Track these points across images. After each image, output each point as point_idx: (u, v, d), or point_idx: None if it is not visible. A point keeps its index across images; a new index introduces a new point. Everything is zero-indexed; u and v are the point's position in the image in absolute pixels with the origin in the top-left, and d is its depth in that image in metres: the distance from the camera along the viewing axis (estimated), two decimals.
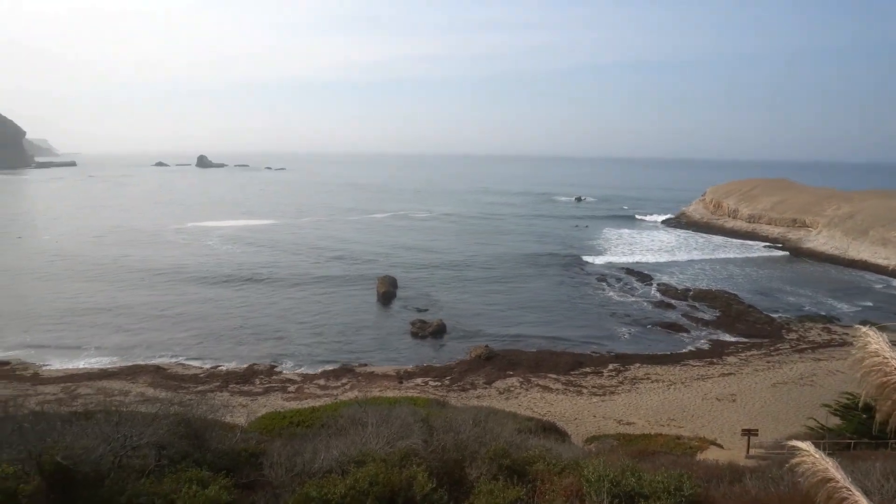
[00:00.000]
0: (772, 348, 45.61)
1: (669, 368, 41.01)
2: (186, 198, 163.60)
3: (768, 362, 42.37)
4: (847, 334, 48.52)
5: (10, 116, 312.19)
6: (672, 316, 53.56)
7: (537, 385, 37.82)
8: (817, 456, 5.48)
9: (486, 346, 43.59)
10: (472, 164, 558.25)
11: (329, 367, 40.29)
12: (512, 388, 37.25)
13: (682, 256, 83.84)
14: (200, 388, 36.02)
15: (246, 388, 36.52)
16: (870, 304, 59.72)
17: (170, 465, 10.06)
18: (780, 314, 54.67)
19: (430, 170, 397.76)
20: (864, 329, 5.82)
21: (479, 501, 8.94)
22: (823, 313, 55.35)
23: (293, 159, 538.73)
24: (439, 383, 37.86)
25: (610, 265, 75.82)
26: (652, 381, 38.69)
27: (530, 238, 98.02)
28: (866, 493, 5.25)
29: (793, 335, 48.86)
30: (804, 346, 46.04)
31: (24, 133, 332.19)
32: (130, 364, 39.95)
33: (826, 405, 25.31)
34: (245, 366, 40.13)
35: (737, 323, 51.47)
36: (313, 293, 59.28)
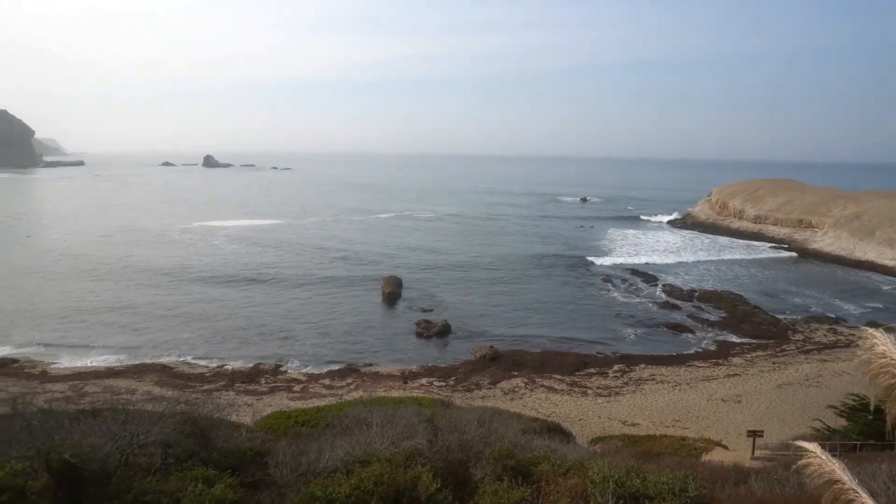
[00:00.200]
0: (777, 349, 45.44)
1: (675, 369, 40.91)
2: (192, 197, 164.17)
3: (774, 363, 42.22)
4: (853, 335, 48.29)
5: (18, 116, 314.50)
6: (677, 317, 53.43)
7: (542, 386, 37.79)
8: (824, 457, 5.47)
9: (491, 346, 43.58)
10: (474, 164, 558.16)
11: (334, 367, 40.38)
12: (517, 389, 37.23)
13: (687, 257, 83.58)
14: (206, 387, 36.16)
15: (251, 387, 36.64)
16: (877, 305, 59.43)
17: (176, 464, 10.11)
18: (785, 315, 54.46)
19: (432, 170, 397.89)
20: (870, 330, 5.80)
21: (483, 502, 8.95)
22: (830, 314, 55.10)
23: (295, 159, 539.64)
24: (444, 383, 37.88)
25: (615, 266, 75.66)
26: (657, 382, 38.60)
27: (535, 239, 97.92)
28: (873, 494, 5.24)
29: (799, 336, 48.67)
30: (810, 347, 45.85)
31: (32, 132, 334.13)
32: (137, 363, 40.16)
33: (832, 406, 25.19)
34: (251, 365, 40.28)
35: (742, 324, 51.28)
36: (318, 293, 59.40)
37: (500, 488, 9.16)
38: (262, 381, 37.75)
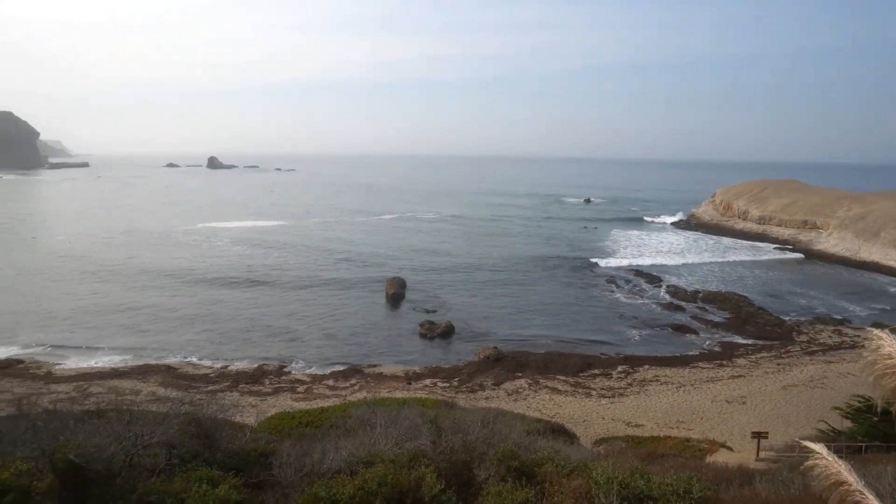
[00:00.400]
0: (782, 350, 45.31)
1: (679, 370, 40.82)
2: (196, 199, 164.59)
3: (778, 364, 42.09)
4: (858, 336, 48.13)
5: (23, 118, 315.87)
6: (681, 318, 53.31)
7: (546, 387, 37.75)
8: (830, 459, 5.45)
9: (495, 347, 43.55)
10: (477, 165, 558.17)
11: (338, 368, 40.41)
12: (520, 390, 37.20)
13: (691, 258, 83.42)
14: (211, 387, 36.21)
15: (255, 388, 36.68)
16: (882, 306, 59.22)
17: (180, 465, 10.14)
18: (790, 316, 54.31)
19: (435, 171, 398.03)
20: (876, 331, 5.78)
21: (487, 503, 8.94)
22: (835, 315, 54.93)
23: (299, 161, 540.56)
24: (448, 384, 37.87)
25: (619, 267, 75.55)
26: (661, 383, 38.53)
27: (539, 240, 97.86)
28: (879, 496, 5.22)
29: (803, 337, 48.52)
30: (815, 349, 45.70)
31: (38, 134, 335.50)
32: (141, 363, 40.26)
33: (837, 408, 25.07)
34: (255, 366, 40.33)
35: (747, 325, 51.15)
36: (322, 294, 59.47)
37: (504, 489, 9.16)
38: (266, 381, 37.79)
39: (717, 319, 52.96)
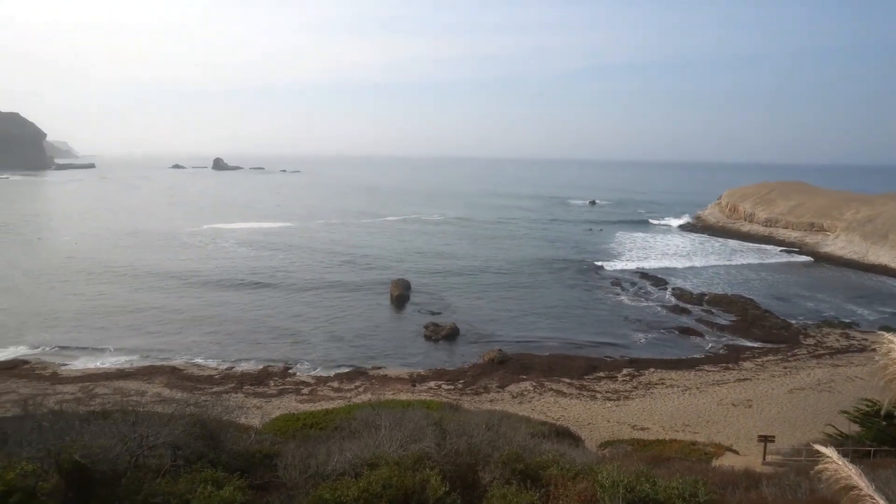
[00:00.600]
0: (789, 354, 45.10)
1: (684, 373, 40.67)
2: (202, 200, 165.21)
3: (785, 368, 41.89)
4: (866, 340, 47.87)
5: (30, 119, 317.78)
6: (687, 321, 53.12)
7: (551, 389, 37.66)
8: (840, 463, 5.40)
9: (500, 349, 43.48)
10: (481, 166, 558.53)
11: (342, 370, 40.43)
12: (525, 392, 37.12)
13: (697, 261, 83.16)
14: (215, 389, 36.29)
15: (260, 389, 36.74)
16: (891, 309, 58.82)
17: (185, 466, 10.14)
18: (797, 319, 54.05)
19: (439, 173, 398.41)
20: (888, 335, 5.72)
21: None
22: (842, 319, 54.61)
23: (304, 162, 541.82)
24: (452, 387, 37.83)
25: (624, 269, 75.37)
26: (667, 387, 38.39)
27: (544, 242, 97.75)
28: (889, 501, 5.17)
29: (810, 340, 48.28)
30: (822, 352, 45.47)
31: (44, 135, 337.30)
32: (147, 364, 40.40)
33: (845, 412, 24.94)
34: (259, 367, 40.40)
35: (753, 328, 50.93)
36: (327, 296, 59.53)
37: (509, 492, 9.12)
38: (271, 383, 37.84)
39: (723, 322, 52.76)
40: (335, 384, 37.86)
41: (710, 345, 47.10)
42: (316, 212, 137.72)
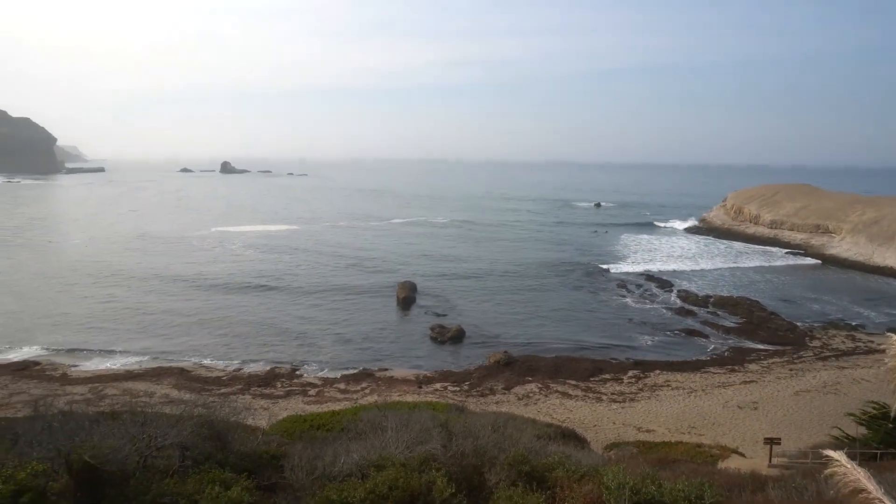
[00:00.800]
0: (795, 356, 44.89)
1: (690, 375, 40.56)
2: (210, 203, 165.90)
3: (791, 370, 41.72)
4: (872, 342, 47.61)
5: (41, 123, 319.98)
6: (692, 323, 52.99)
7: (556, 391, 37.64)
8: (849, 466, 5.43)
9: (505, 351, 43.49)
10: (487, 169, 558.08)
11: (349, 372, 40.52)
12: (531, 394, 37.11)
13: (702, 263, 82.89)
14: (223, 390, 36.45)
15: (267, 391, 36.85)
16: None
17: (193, 466, 10.24)
18: (803, 321, 53.80)
19: (446, 176, 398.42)
20: (895, 337, 5.74)
21: None
22: (848, 321, 54.33)
23: (311, 165, 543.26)
24: (458, 388, 37.86)
25: (630, 272, 75.19)
26: (672, 389, 38.30)
27: (550, 245, 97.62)
28: None
29: (816, 342, 48.06)
30: (828, 354, 45.25)
31: (55, 140, 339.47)
32: (155, 366, 40.62)
33: (851, 414, 24.83)
34: (267, 369, 40.54)
35: (759, 330, 50.75)
36: (333, 298, 59.66)
37: (515, 494, 9.17)
38: (278, 384, 37.96)
39: (728, 324, 52.59)
40: (342, 386, 37.95)
41: (716, 347, 46.95)
42: (322, 215, 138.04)
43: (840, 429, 24.61)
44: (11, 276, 66.78)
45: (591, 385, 38.78)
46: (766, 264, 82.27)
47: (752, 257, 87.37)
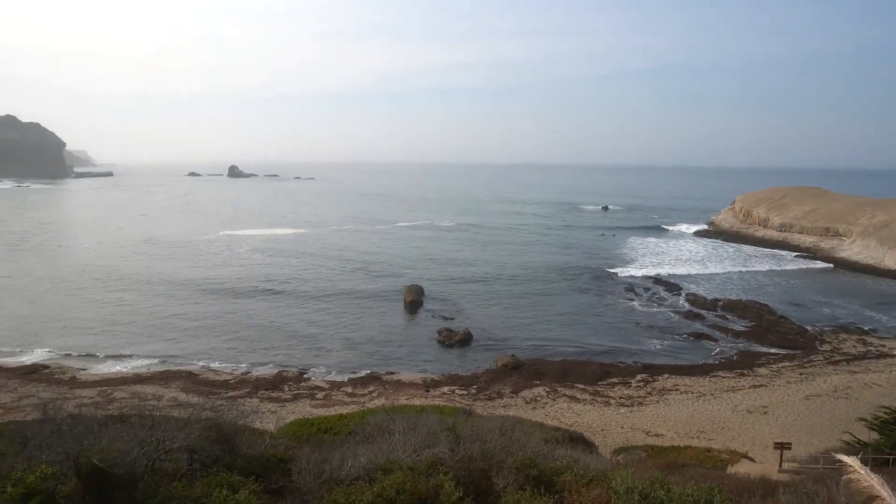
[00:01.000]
0: (805, 360, 44.55)
1: (699, 379, 40.33)
2: (218, 207, 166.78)
3: (801, 374, 41.39)
4: (884, 346, 47.25)
5: (50, 128, 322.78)
6: (701, 326, 52.71)
7: (564, 395, 37.50)
8: (863, 472, 5.37)
9: (513, 355, 43.39)
10: (492, 172, 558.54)
11: (356, 375, 40.55)
12: (538, 398, 36.99)
13: (711, 266, 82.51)
14: (231, 393, 36.54)
15: (275, 394, 36.91)
16: None
17: (201, 469, 10.25)
18: (813, 325, 53.39)
19: (451, 179, 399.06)
20: None
21: None
22: (859, 325, 53.87)
23: (318, 169, 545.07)
24: (465, 392, 37.80)
25: (638, 275, 74.92)
26: (681, 392, 38.08)
27: (557, 248, 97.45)
28: None
29: (827, 346, 47.67)
30: (839, 358, 44.86)
31: (64, 144, 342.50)
32: (163, 369, 40.80)
33: (862, 419, 24.61)
34: (274, 372, 40.63)
35: (768, 334, 50.41)
36: (340, 302, 59.76)
37: (523, 498, 9.13)
38: (286, 388, 38.02)
39: (737, 328, 52.28)
40: (349, 389, 37.97)
41: (725, 350, 46.66)
42: (329, 218, 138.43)
43: (851, 434, 24.38)
44: (21, 279, 67.31)
45: (598, 389, 38.63)
46: (777, 268, 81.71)
47: (762, 261, 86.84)
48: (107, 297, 60.13)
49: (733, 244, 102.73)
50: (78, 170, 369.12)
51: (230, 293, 62.31)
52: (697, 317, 55.59)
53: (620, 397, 37.36)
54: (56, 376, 39.14)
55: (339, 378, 40.14)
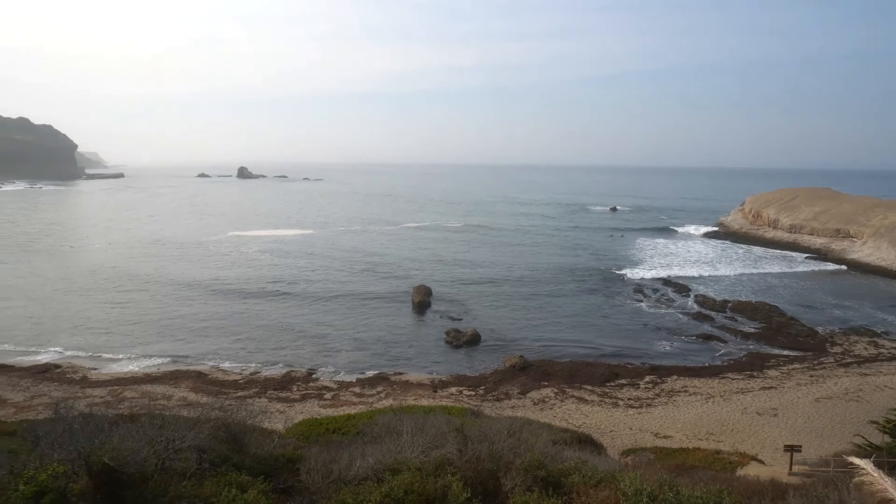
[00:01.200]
0: (815, 362, 44.20)
1: (708, 381, 40.12)
2: (227, 208, 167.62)
3: (811, 376, 41.08)
4: None
5: (62, 130, 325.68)
6: (710, 328, 52.42)
7: (572, 396, 37.42)
8: (876, 475, 5.33)
9: (521, 356, 43.33)
10: (497, 173, 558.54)
11: (365, 375, 40.63)
12: (546, 399, 36.92)
13: (720, 267, 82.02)
14: (240, 393, 36.70)
15: (283, 394, 37.04)
16: None
17: (210, 469, 10.33)
18: (824, 327, 52.96)
19: (456, 180, 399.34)
20: None
21: None
22: (870, 327, 53.38)
23: (326, 170, 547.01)
24: (473, 392, 37.78)
25: (647, 277, 74.61)
26: (689, 394, 37.90)
27: (565, 249, 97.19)
28: None
29: (837, 349, 47.28)
30: (850, 360, 44.48)
31: (75, 146, 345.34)
32: (173, 369, 41.05)
33: (874, 422, 24.43)
34: (283, 372, 40.77)
35: (778, 335, 50.07)
36: (348, 302, 59.88)
37: (531, 499, 9.13)
38: (294, 388, 38.14)
39: (747, 329, 51.95)
40: (357, 389, 38.04)
41: (734, 352, 46.37)
42: (337, 219, 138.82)
43: (863, 437, 24.21)
44: (33, 280, 67.93)
45: (607, 390, 38.51)
46: (787, 270, 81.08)
47: (772, 262, 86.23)
48: (117, 297, 60.58)
49: (743, 245, 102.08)
50: (89, 171, 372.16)
51: (239, 293, 62.61)
52: (706, 318, 55.31)
53: (629, 399, 37.23)
54: (67, 376, 39.47)
55: (347, 378, 40.24)
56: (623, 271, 77.24)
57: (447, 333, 48.69)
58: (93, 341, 46.79)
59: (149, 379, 39.02)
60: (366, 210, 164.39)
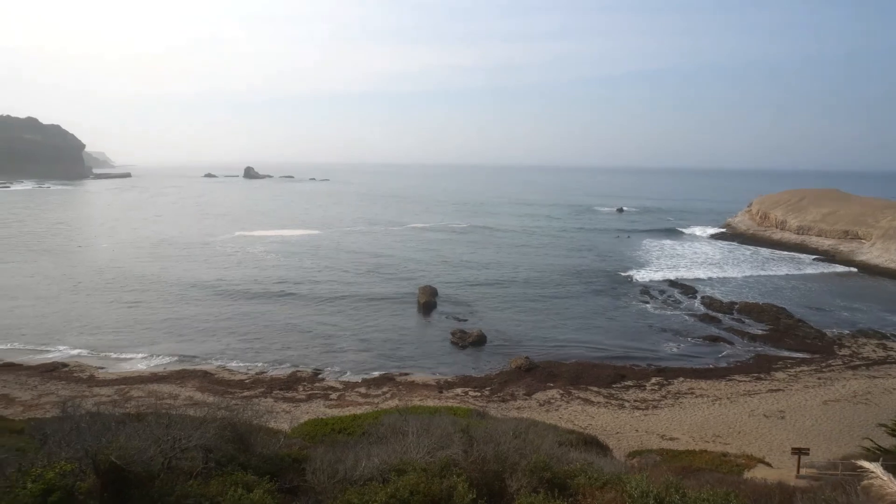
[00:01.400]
0: (823, 364, 43.96)
1: (714, 383, 39.95)
2: (232, 208, 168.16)
3: (819, 379, 40.85)
4: None
5: (70, 130, 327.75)
6: (717, 330, 52.21)
7: (578, 397, 37.33)
8: (885, 478, 5.30)
9: (527, 357, 43.26)
10: (500, 173, 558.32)
11: (370, 376, 40.67)
12: (552, 400, 36.85)
13: (727, 269, 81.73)
14: (246, 393, 36.80)
15: (289, 394, 37.11)
16: None
17: (216, 468, 10.35)
18: (831, 329, 52.66)
19: (460, 180, 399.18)
20: None
21: None
22: (879, 329, 53.01)
23: (331, 170, 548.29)
24: (479, 393, 37.75)
25: (653, 278, 74.39)
26: (696, 396, 37.75)
27: (571, 250, 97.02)
28: None
29: (845, 351, 47.00)
30: (858, 363, 44.21)
31: (83, 146, 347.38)
32: (180, 369, 41.21)
33: (883, 425, 24.26)
34: (289, 372, 40.86)
35: (785, 337, 49.82)
36: (354, 303, 59.95)
37: (536, 500, 9.10)
38: (300, 388, 38.21)
39: (754, 331, 51.70)
40: (363, 390, 38.07)
41: (741, 354, 46.17)
42: (343, 219, 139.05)
43: (871, 440, 24.03)
44: (41, 280, 68.32)
45: (613, 392, 38.40)
46: (795, 271, 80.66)
47: (779, 264, 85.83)
48: (124, 296, 60.86)
49: (750, 247, 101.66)
50: (97, 171, 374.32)
51: (245, 293, 62.78)
52: (713, 320, 55.09)
53: (635, 400, 37.11)
54: (75, 375, 39.68)
55: (352, 378, 40.29)
56: (629, 273, 77.03)
57: (453, 334, 48.68)
58: (100, 340, 47.04)
59: (155, 378, 39.18)
60: (371, 210, 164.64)
